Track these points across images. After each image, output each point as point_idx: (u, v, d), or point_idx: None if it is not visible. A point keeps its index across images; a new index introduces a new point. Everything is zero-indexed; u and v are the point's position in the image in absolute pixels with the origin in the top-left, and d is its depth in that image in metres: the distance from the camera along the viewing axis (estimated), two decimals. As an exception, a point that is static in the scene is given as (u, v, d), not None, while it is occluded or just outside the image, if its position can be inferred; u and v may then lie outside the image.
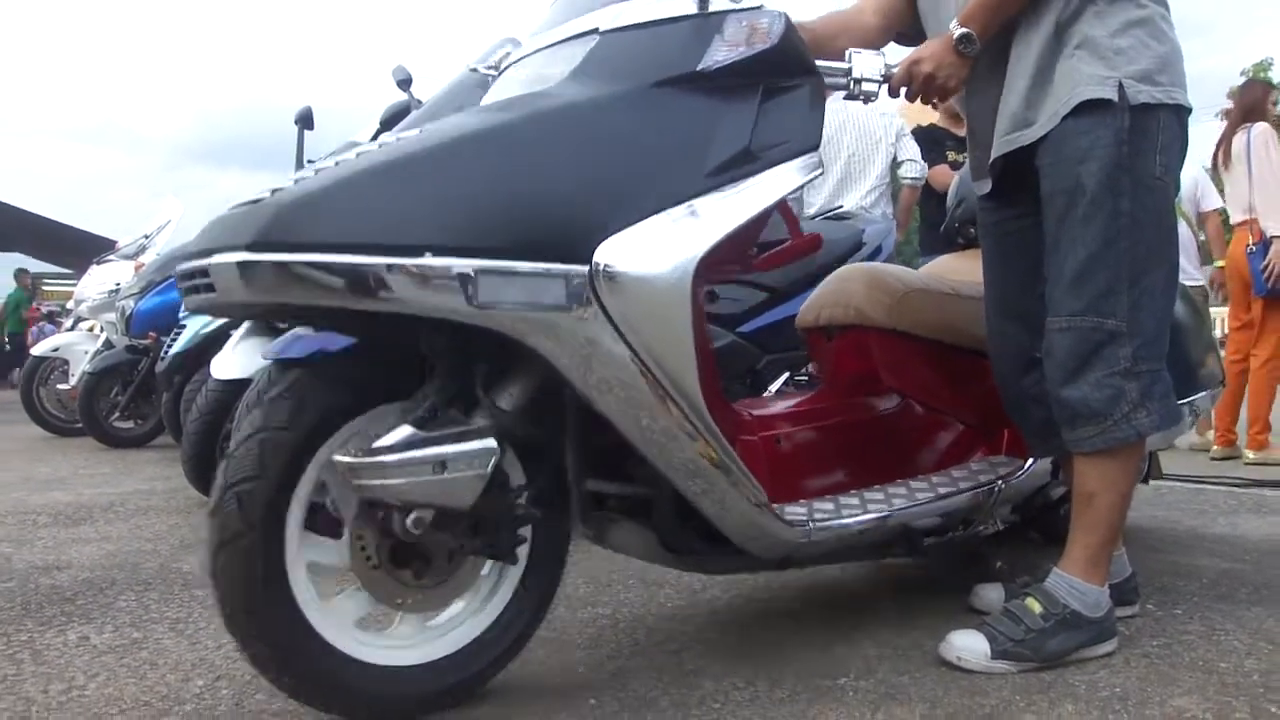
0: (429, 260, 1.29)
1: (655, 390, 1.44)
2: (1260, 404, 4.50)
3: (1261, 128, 4.57)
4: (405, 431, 1.39)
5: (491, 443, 1.42)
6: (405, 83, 3.17)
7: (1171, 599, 2.13)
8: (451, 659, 1.54)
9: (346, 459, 1.37)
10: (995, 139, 1.79)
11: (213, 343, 4.37)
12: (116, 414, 5.95)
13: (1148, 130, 1.67)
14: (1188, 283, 4.93)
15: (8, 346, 13.48)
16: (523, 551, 1.59)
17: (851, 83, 1.68)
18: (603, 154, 1.47)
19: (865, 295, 2.13)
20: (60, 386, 6.68)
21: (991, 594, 1.97)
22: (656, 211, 1.44)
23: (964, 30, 1.70)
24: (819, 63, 1.66)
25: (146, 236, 6.49)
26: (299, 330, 2.70)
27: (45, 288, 14.37)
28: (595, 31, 1.61)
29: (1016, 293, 1.87)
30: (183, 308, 1.47)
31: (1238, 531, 2.90)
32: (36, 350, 6.98)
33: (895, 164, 4.19)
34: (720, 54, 1.54)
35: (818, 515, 1.74)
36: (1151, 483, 2.86)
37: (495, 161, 1.40)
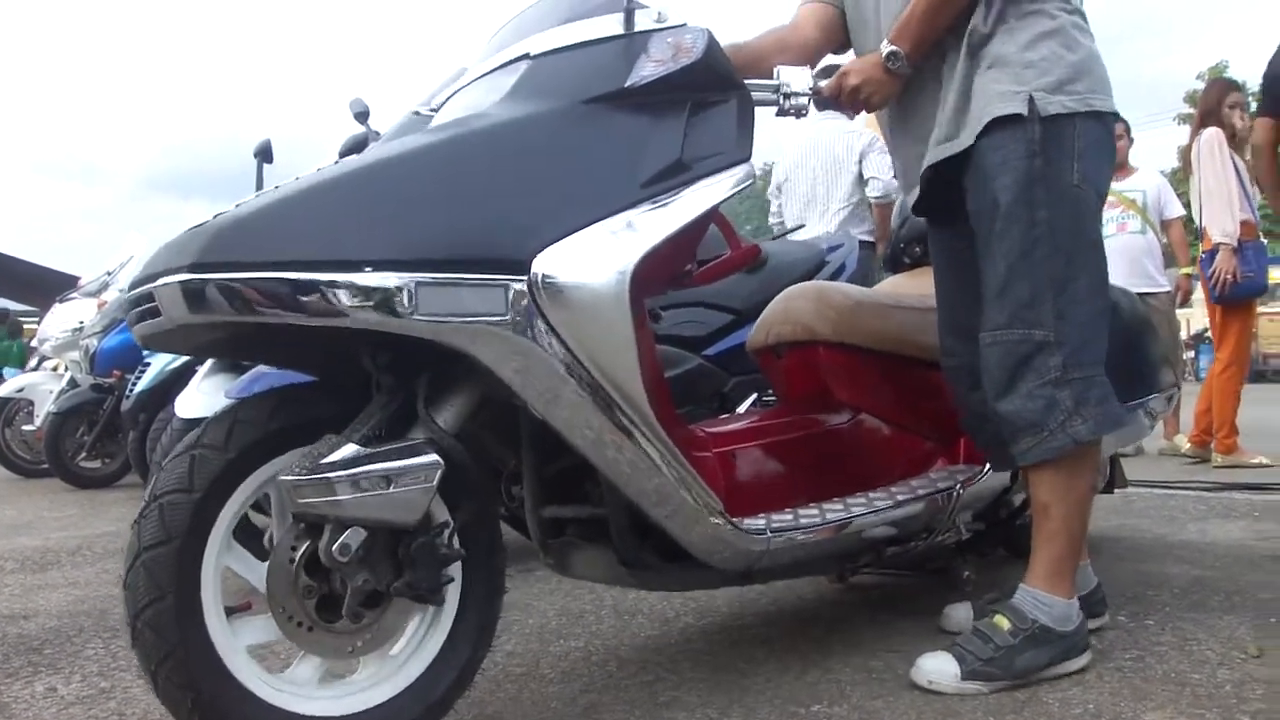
0: (369, 275, 1.31)
1: (600, 398, 1.45)
2: (1225, 408, 4.54)
3: (1209, 134, 4.62)
4: (350, 449, 1.38)
5: (434, 456, 1.41)
6: (362, 115, 3.16)
7: (1143, 609, 2.13)
8: (390, 705, 1.50)
9: (291, 477, 1.36)
10: (928, 149, 1.81)
11: (177, 380, 4.33)
12: (83, 454, 5.87)
13: (1062, 139, 1.69)
14: (1153, 289, 5.00)
15: None
16: (453, 592, 1.55)
17: (781, 98, 1.74)
18: (537, 167, 1.50)
19: (812, 311, 2.14)
20: (25, 428, 6.58)
21: (960, 613, 1.97)
22: (593, 222, 1.47)
23: (892, 48, 1.75)
24: (749, 80, 1.71)
25: (109, 273, 6.41)
26: (261, 369, 2.69)
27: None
28: (526, 56, 1.65)
29: (964, 310, 1.88)
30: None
31: (1208, 538, 2.92)
32: (0, 391, 6.88)
33: (863, 181, 4.20)
34: (647, 70, 1.58)
35: (775, 525, 1.73)
36: (1118, 490, 2.87)
37: (432, 177, 1.43)
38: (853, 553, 1.94)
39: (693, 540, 1.61)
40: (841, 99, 1.79)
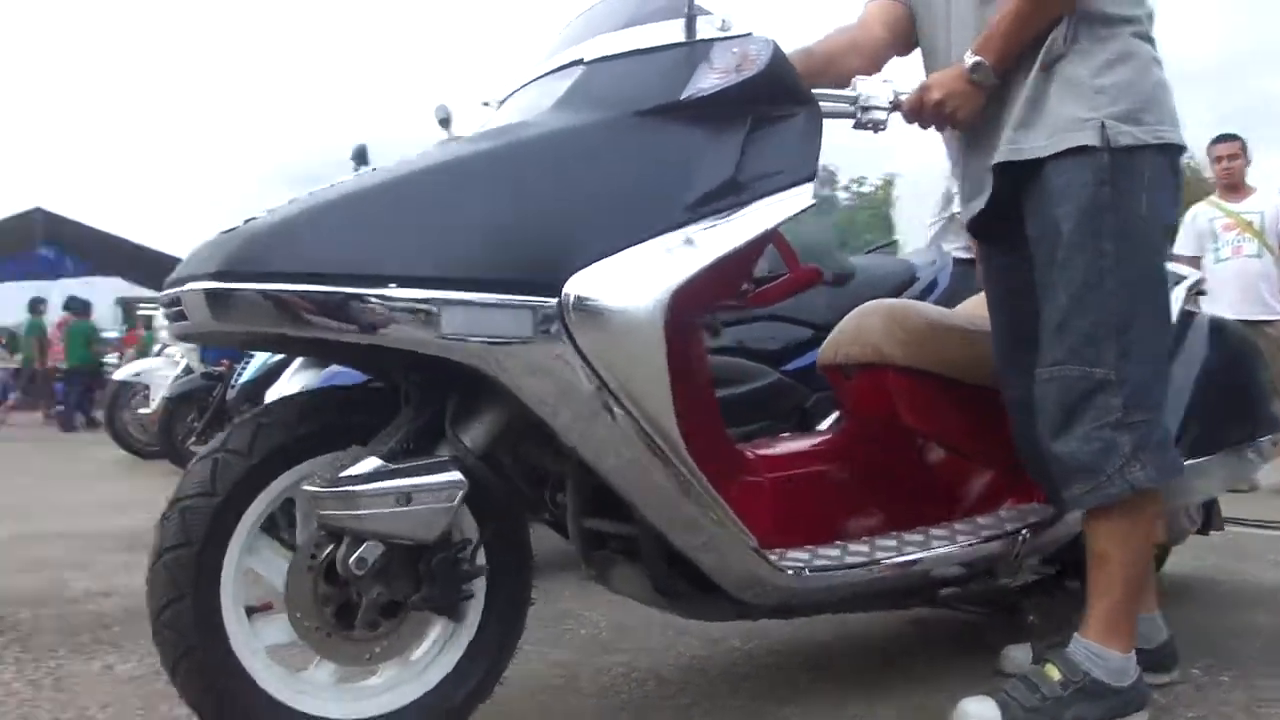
0: (392, 291, 1.30)
1: (631, 427, 1.41)
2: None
3: None
4: (373, 463, 1.39)
5: (458, 475, 1.40)
6: (445, 122, 3.22)
7: (1221, 663, 2.01)
8: (403, 712, 1.51)
9: (313, 488, 1.38)
10: (995, 155, 1.72)
11: (280, 371, 4.50)
12: (193, 439, 6.13)
13: (1131, 169, 1.60)
14: (1268, 316, 4.73)
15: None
16: (476, 604, 1.56)
17: (859, 110, 1.65)
18: (577, 185, 1.45)
19: (883, 331, 2.05)
20: (141, 410, 6.93)
21: (1019, 656, 1.89)
22: (632, 244, 1.41)
23: (977, 59, 1.65)
24: (823, 91, 1.63)
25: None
26: (336, 367, 2.76)
27: (140, 311, 14.88)
28: (581, 62, 1.60)
29: (1020, 341, 1.78)
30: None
31: (1310, 587, 2.74)
32: (119, 375, 7.27)
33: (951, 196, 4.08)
34: (706, 82, 1.51)
35: (817, 562, 1.68)
36: (1214, 532, 2.71)
37: (465, 191, 1.40)
38: (904, 592, 1.86)
39: (723, 574, 1.56)
40: (924, 113, 1.69)
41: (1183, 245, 5.17)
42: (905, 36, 1.91)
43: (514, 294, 1.35)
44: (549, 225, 1.42)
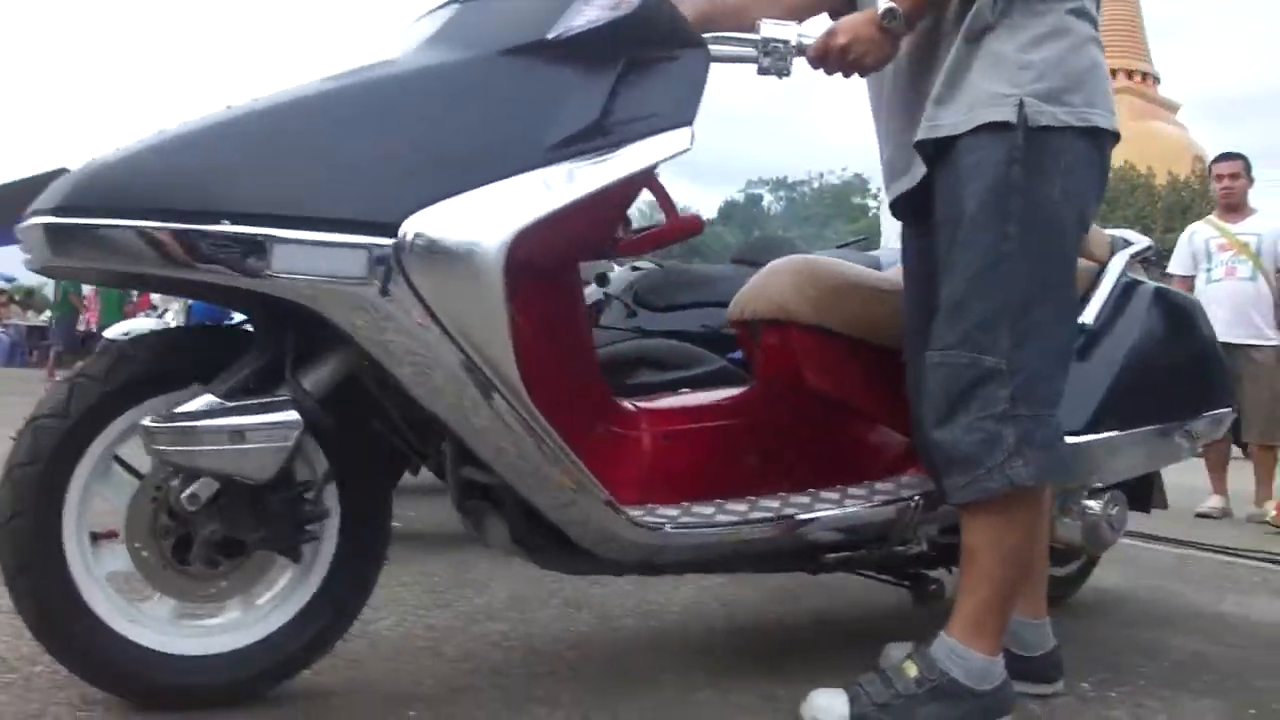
0: (225, 228, 1.28)
1: (470, 373, 1.37)
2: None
3: None
4: (206, 400, 1.37)
5: (294, 415, 1.37)
6: None
7: (1116, 679, 1.92)
8: (240, 654, 1.50)
9: (147, 422, 1.36)
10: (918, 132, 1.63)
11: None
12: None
13: (1047, 151, 1.51)
14: (1258, 341, 4.61)
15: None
16: (326, 552, 1.54)
17: (761, 55, 1.56)
18: (427, 124, 1.41)
19: (791, 288, 1.96)
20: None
21: (897, 654, 1.81)
22: (480, 185, 1.37)
23: (889, 5, 1.54)
24: (721, 34, 1.56)
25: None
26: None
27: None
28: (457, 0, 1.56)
29: (920, 321, 1.70)
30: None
31: (1243, 612, 2.64)
32: (109, 333, 7.28)
33: None
34: (576, 21, 1.45)
35: (685, 519, 1.62)
36: (1180, 551, 2.63)
37: (309, 128, 1.37)
38: (784, 554, 1.79)
39: (575, 529, 1.52)
40: (829, 59, 1.58)
41: (1177, 264, 5.07)
42: None
43: (350, 233, 1.31)
44: (392, 164, 1.37)
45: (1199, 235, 5.00)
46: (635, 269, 3.47)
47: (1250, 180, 4.94)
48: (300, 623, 1.53)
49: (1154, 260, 2.40)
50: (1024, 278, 1.51)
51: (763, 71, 1.57)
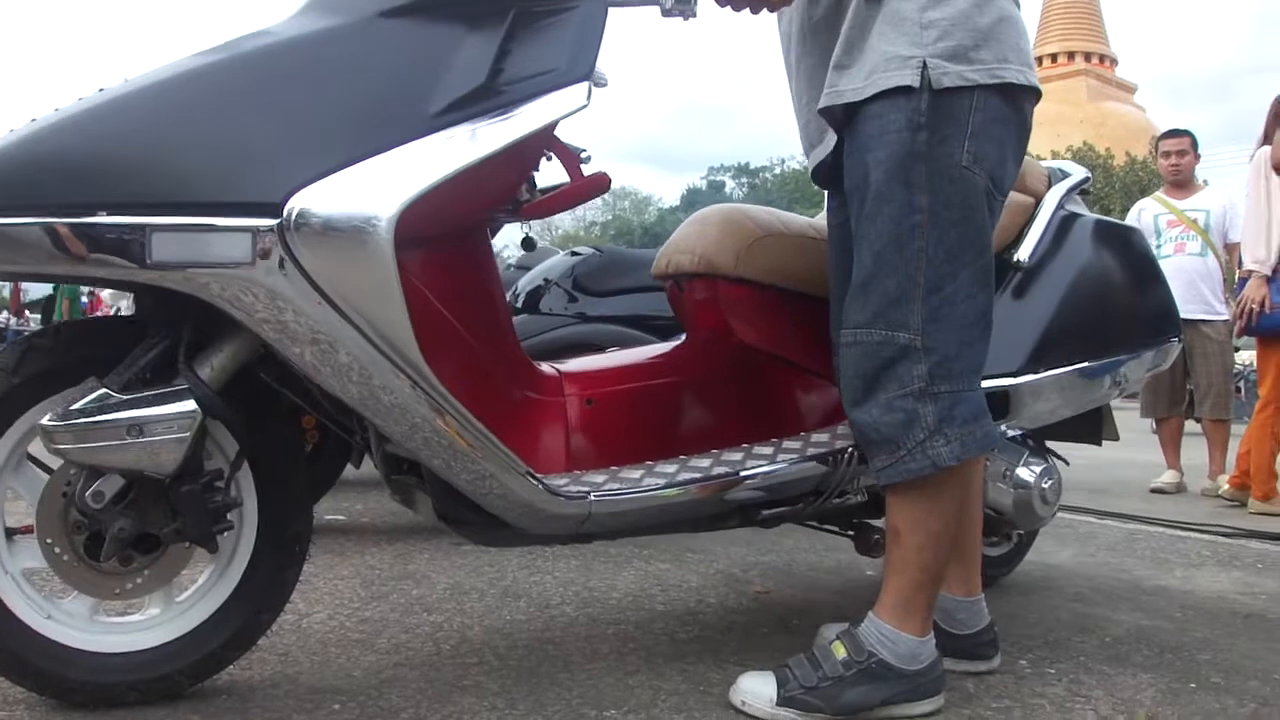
0: (102, 219, 1.23)
1: (368, 351, 1.33)
2: (1262, 451, 4.13)
3: (1260, 153, 4.17)
4: (101, 394, 1.33)
5: (191, 406, 1.33)
6: None
7: (1053, 655, 1.92)
8: (160, 650, 1.47)
9: (45, 421, 1.33)
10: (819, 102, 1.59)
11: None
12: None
13: (954, 113, 1.46)
14: (1209, 316, 4.64)
15: None
16: (245, 543, 1.50)
17: None
18: (304, 97, 1.36)
19: (715, 240, 1.91)
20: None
21: (831, 634, 1.79)
22: (365, 157, 1.32)
23: None
24: None
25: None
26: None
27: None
28: None
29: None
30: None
31: (1188, 586, 2.65)
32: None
33: None
34: None
35: (610, 485, 1.58)
36: (1130, 527, 2.62)
37: (182, 109, 1.32)
38: (716, 514, 1.75)
39: (494, 502, 1.48)
40: None
41: (1127, 241, 5.08)
42: None
43: (231, 216, 1.27)
44: (272, 142, 1.32)
45: (1147, 212, 5.01)
46: (575, 254, 3.43)
47: (1197, 156, 4.97)
48: (222, 618, 1.50)
49: (1089, 191, 2.34)
50: (934, 249, 1.47)
51: (667, 14, 1.51)
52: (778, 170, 53.40)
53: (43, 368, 1.39)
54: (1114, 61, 49.17)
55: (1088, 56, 46.38)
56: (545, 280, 3.27)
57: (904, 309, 1.47)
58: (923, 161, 1.46)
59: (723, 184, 54.53)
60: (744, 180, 54.68)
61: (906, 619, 1.53)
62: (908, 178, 1.47)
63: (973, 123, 1.48)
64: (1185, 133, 4.95)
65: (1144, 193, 28.36)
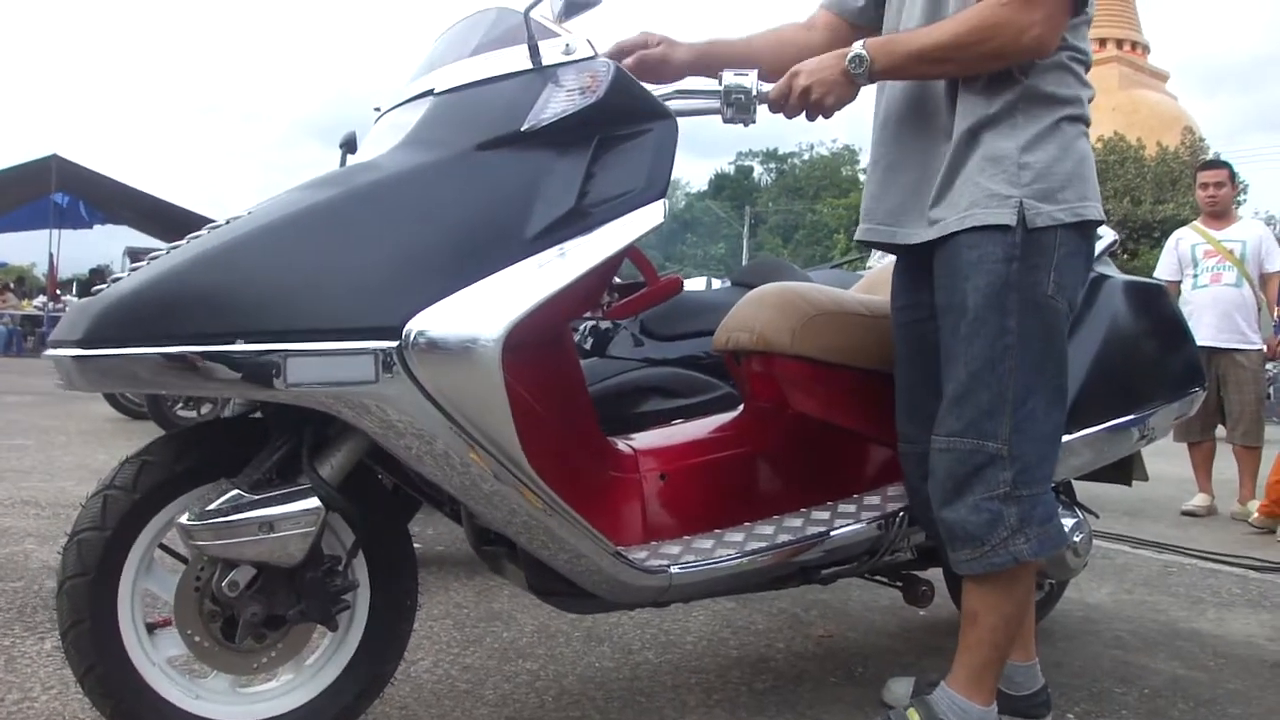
0: (239, 347, 1.38)
1: (481, 458, 1.48)
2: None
3: None
4: (234, 495, 1.49)
5: (315, 503, 1.49)
6: (349, 145, 3.33)
7: (1098, 709, 2.10)
8: (301, 711, 1.64)
9: (184, 521, 1.49)
10: (906, 225, 1.77)
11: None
12: (179, 404, 6.22)
13: (1043, 247, 1.63)
14: (1243, 346, 4.77)
15: None
16: (359, 616, 1.68)
17: (724, 106, 1.65)
18: (415, 228, 1.49)
19: (769, 320, 2.09)
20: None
21: (900, 689, 1.98)
22: (471, 282, 1.46)
23: (860, 52, 1.63)
24: (684, 89, 1.67)
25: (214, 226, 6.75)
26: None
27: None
28: (431, 93, 1.64)
29: (922, 396, 1.83)
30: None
31: (1220, 629, 2.81)
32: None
33: None
34: (548, 111, 1.55)
35: (686, 557, 1.76)
36: (1165, 558, 2.77)
37: (305, 243, 1.46)
38: (780, 576, 1.94)
39: (587, 580, 1.65)
40: (790, 102, 1.65)
41: (1163, 269, 5.22)
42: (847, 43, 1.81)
43: (356, 340, 1.41)
44: (387, 271, 1.46)
45: (1185, 241, 5.14)
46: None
47: (1235, 187, 5.09)
48: (349, 675, 1.68)
49: (1117, 253, 2.46)
50: (1022, 369, 1.64)
51: (728, 120, 1.67)
52: (806, 156, 53.31)
53: (155, 482, 1.54)
54: (1146, 49, 48.58)
55: (1119, 44, 45.82)
56: (613, 324, 3.44)
57: (994, 421, 1.65)
58: (1015, 290, 1.64)
59: (751, 169, 54.42)
60: (772, 166, 54.56)
61: (977, 691, 1.72)
62: (1003, 305, 1.64)
63: (1057, 256, 1.66)
64: (1224, 165, 5.08)
65: (1175, 184, 27.95)
